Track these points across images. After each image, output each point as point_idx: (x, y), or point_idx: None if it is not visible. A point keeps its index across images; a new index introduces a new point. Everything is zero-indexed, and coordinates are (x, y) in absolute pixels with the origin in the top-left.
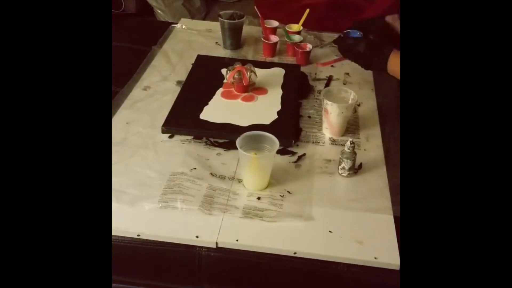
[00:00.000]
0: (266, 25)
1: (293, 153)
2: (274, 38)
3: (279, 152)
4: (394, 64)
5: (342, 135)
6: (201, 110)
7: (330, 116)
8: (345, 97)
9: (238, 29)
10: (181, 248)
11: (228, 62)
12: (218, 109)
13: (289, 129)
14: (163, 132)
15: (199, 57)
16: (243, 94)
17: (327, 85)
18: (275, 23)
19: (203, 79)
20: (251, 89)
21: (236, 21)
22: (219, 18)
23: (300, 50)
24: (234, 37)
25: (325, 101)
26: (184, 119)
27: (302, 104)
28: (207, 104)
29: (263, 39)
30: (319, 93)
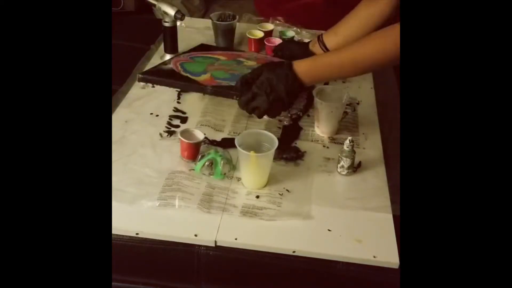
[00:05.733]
0: (260, 29)
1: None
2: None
3: None
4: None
5: (335, 135)
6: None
7: (320, 115)
8: (340, 97)
9: (230, 30)
10: (179, 246)
11: None
12: None
13: None
14: (139, 80)
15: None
16: None
17: (326, 83)
18: (270, 26)
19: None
20: None
21: (228, 22)
22: (211, 20)
23: None
24: (227, 38)
25: (316, 99)
26: (165, 72)
27: None
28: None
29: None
30: None
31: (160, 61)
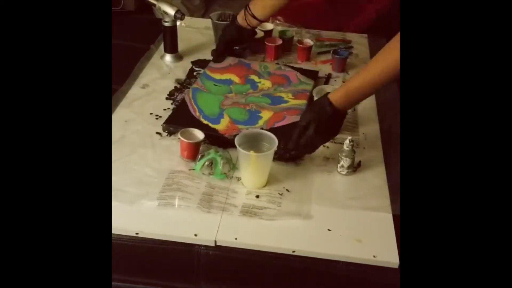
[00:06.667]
0: (260, 28)
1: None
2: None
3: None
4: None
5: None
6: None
7: None
8: None
9: None
10: (179, 246)
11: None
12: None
13: (288, 127)
14: (164, 130)
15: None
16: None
17: (326, 83)
18: (270, 26)
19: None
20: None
21: (228, 21)
22: (211, 20)
23: (301, 46)
24: None
25: (315, 98)
26: (186, 119)
27: None
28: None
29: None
30: None
31: (160, 60)
